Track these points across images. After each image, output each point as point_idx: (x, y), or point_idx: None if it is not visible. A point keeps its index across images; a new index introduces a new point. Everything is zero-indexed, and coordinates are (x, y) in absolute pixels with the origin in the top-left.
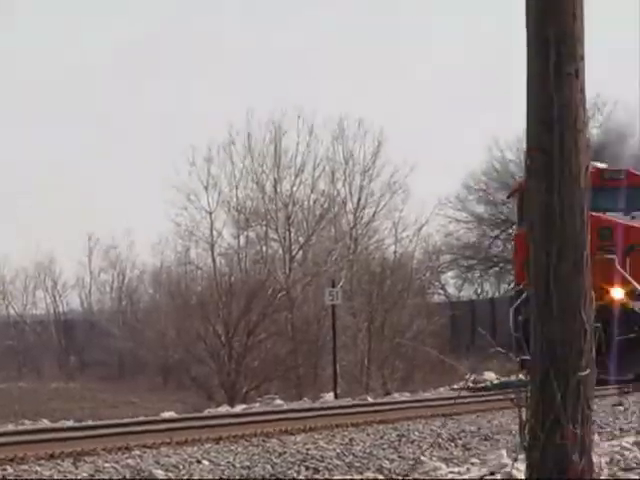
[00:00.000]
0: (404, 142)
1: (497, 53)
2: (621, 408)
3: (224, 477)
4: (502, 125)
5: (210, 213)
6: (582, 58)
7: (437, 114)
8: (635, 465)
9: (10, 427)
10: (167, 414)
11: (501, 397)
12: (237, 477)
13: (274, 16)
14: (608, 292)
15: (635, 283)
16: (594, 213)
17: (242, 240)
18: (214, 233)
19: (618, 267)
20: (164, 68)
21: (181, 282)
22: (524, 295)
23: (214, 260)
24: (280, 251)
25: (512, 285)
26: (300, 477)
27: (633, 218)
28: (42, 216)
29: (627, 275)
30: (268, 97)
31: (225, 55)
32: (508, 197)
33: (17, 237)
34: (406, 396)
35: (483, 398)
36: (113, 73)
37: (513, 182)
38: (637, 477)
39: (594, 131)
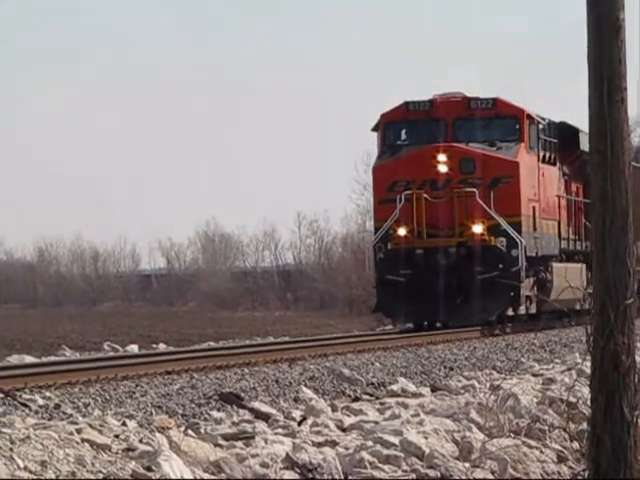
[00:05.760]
0: None
1: None
2: None
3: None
4: None
5: None
6: (625, 89)
7: None
8: None
9: (247, 342)
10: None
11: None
12: (398, 374)
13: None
14: (469, 228)
15: (498, 218)
16: (455, 144)
17: None
18: None
19: (479, 201)
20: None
21: (360, 244)
22: (382, 231)
23: None
24: None
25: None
26: (440, 373)
27: (499, 149)
28: (267, 200)
29: (489, 210)
30: None
31: None
32: (373, 130)
33: (250, 214)
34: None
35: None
36: None
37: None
38: None
39: (635, 139)
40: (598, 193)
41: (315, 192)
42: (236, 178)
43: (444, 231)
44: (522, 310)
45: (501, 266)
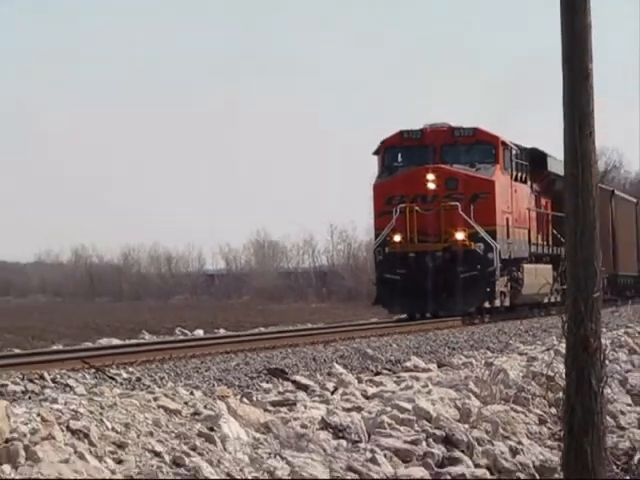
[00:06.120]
0: None
1: None
2: (617, 313)
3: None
4: None
5: None
6: (593, 125)
7: None
8: (624, 344)
9: (290, 328)
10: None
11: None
12: (411, 353)
13: None
14: (453, 235)
15: (477, 227)
16: (442, 166)
17: None
18: None
19: (461, 213)
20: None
21: None
22: (381, 238)
23: None
24: None
25: None
26: (445, 352)
27: (478, 170)
28: (307, 213)
29: (470, 220)
30: None
31: None
32: (374, 154)
33: (292, 225)
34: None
35: (540, 310)
36: None
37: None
38: (627, 352)
39: (601, 165)
40: (571, 209)
41: (345, 206)
42: (283, 196)
43: (432, 238)
44: (497, 303)
45: (479, 267)
